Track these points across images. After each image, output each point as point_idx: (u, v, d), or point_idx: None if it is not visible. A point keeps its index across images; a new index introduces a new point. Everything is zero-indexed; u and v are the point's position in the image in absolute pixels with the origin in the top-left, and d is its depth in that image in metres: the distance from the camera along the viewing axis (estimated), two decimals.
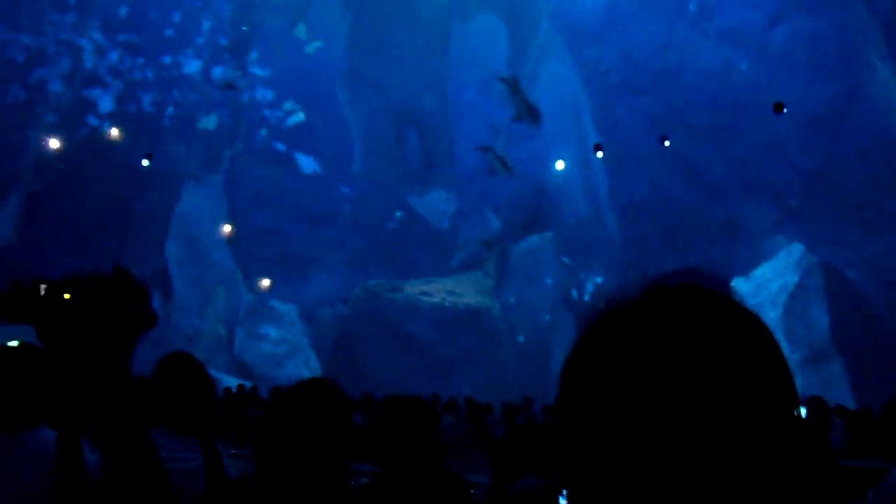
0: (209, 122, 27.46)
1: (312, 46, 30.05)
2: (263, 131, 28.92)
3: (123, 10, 26.68)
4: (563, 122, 25.87)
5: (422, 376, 22.81)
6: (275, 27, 29.16)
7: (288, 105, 29.31)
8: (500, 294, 26.07)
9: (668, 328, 0.72)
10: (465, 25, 30.14)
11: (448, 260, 27.95)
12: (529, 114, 23.23)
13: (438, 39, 30.42)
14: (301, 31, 30.05)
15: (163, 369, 3.06)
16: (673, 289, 0.76)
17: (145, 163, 23.22)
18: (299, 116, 29.45)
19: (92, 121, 25.50)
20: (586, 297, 25.50)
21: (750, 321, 0.74)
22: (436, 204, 29.61)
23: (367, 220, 28.53)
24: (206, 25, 28.20)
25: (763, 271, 23.05)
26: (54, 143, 23.87)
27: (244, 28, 28.95)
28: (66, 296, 1.60)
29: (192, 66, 27.45)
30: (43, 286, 1.60)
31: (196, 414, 3.00)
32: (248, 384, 20.84)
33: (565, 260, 26.06)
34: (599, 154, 22.17)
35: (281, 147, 28.99)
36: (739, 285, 23.02)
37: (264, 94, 29.17)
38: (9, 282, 1.59)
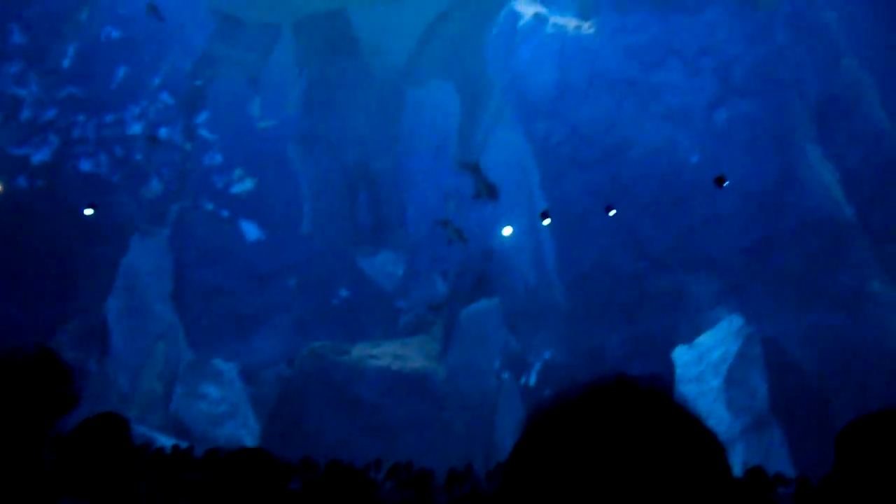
0: (154, 186, 26.67)
1: (265, 123, 29.98)
2: (209, 205, 28.35)
3: (66, 62, 25.60)
4: (511, 190, 26.36)
5: (366, 440, 22.44)
6: (228, 89, 29.11)
7: (237, 172, 28.95)
8: (446, 359, 25.97)
9: (608, 428, 0.75)
10: (418, 91, 30.71)
11: (395, 323, 27.82)
12: (488, 192, 23.87)
13: (392, 103, 30.91)
14: (255, 106, 30.07)
15: (83, 433, 2.83)
16: (613, 387, 0.79)
17: (89, 212, 22.74)
18: (247, 184, 29.12)
19: (23, 179, 24.30)
20: (533, 377, 25.52)
21: (691, 425, 0.77)
22: (385, 266, 29.61)
23: (315, 281, 28.32)
24: (156, 81, 27.76)
25: (705, 339, 23.56)
26: None
27: (198, 82, 28.80)
28: None
29: (135, 127, 26.44)
30: None
31: (115, 485, 2.76)
32: (184, 444, 20.17)
33: (513, 341, 26.17)
34: (546, 221, 22.67)
35: (225, 213, 28.58)
36: (682, 353, 23.48)
37: (213, 158, 28.79)
38: None
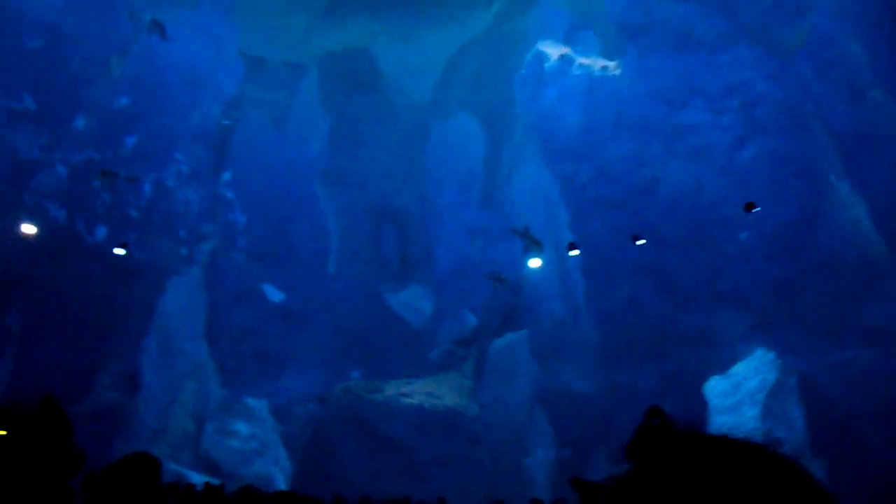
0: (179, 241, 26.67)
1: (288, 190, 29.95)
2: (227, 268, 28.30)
3: (81, 122, 24.95)
4: (538, 222, 26.42)
5: (396, 478, 22.43)
6: (254, 131, 29.44)
7: (259, 232, 28.86)
8: (477, 395, 25.90)
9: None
10: (443, 124, 30.91)
11: (424, 358, 27.83)
12: (536, 247, 24.18)
13: (417, 138, 31.13)
14: (282, 148, 30.28)
15: (117, 473, 2.87)
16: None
17: (121, 251, 22.90)
18: (270, 246, 29.12)
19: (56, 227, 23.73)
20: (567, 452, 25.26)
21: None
22: (412, 302, 29.64)
23: (343, 319, 28.47)
24: (184, 134, 27.87)
25: (740, 369, 23.23)
26: (28, 230, 22.28)
27: (226, 122, 29.11)
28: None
29: (148, 191, 26.17)
30: None
31: None
32: (216, 482, 20.28)
33: (542, 374, 25.95)
34: (574, 252, 22.81)
35: (249, 275, 28.72)
36: (716, 384, 23.14)
37: (236, 218, 28.90)
38: None
